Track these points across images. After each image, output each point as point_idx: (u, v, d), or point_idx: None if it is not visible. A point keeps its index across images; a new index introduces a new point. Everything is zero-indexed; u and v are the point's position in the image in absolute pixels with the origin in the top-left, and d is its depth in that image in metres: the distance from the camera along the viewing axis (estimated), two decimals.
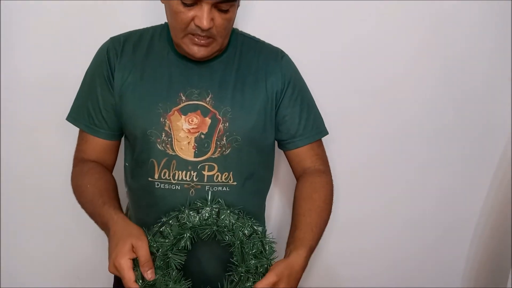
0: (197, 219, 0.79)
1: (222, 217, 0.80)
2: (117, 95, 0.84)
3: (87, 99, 0.86)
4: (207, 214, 0.80)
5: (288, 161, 0.95)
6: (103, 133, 0.87)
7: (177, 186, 0.83)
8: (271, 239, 0.81)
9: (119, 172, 0.92)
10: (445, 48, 1.13)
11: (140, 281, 0.73)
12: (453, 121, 1.19)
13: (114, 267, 0.71)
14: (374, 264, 1.32)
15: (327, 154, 0.96)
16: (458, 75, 1.15)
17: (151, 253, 0.74)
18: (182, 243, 0.79)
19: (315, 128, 0.92)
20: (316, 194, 0.88)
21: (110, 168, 0.91)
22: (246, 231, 0.80)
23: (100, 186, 0.83)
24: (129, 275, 0.70)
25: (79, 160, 0.88)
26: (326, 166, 0.94)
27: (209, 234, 0.80)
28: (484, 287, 1.29)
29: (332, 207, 1.21)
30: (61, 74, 1.06)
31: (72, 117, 0.88)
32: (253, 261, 0.78)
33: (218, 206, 0.81)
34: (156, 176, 0.83)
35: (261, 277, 0.76)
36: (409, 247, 1.29)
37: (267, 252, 0.79)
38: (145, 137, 0.82)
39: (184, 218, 0.79)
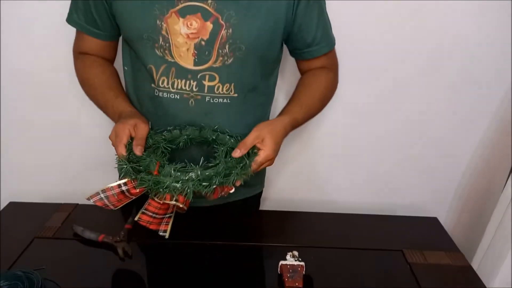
0: (197, 135, 0.82)
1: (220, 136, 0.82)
2: None
3: None
4: (208, 135, 0.82)
5: (298, 66, 0.95)
6: (98, 34, 0.83)
7: (176, 95, 0.80)
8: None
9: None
10: None
11: (129, 145, 0.75)
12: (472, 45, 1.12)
13: (114, 132, 0.75)
14: (369, 189, 1.35)
15: None
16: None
17: (146, 148, 0.77)
18: (177, 141, 0.82)
19: (330, 37, 0.89)
20: (316, 84, 0.90)
21: (111, 61, 0.91)
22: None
23: (106, 79, 0.86)
24: (123, 138, 0.74)
25: (79, 52, 0.88)
26: (334, 67, 0.94)
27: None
28: (469, 214, 1.35)
29: (336, 127, 1.21)
30: None
31: (68, 16, 0.84)
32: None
33: (218, 131, 0.83)
34: (155, 83, 0.81)
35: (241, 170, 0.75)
36: (404, 171, 1.31)
37: (250, 157, 0.77)
38: (141, 41, 0.77)
39: (187, 130, 0.82)
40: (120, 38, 0.87)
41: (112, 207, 0.77)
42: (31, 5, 1.05)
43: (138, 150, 0.74)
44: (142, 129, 0.76)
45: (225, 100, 0.82)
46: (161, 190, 0.70)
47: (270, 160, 0.78)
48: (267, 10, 0.77)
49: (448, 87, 1.18)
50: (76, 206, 1.05)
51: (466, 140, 1.27)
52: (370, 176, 1.33)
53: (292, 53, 0.92)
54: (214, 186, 0.72)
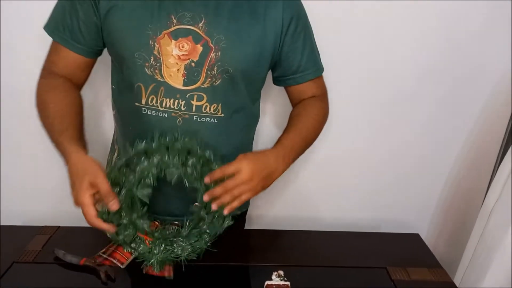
0: (172, 145, 0.79)
1: (190, 161, 0.80)
2: (104, 10, 0.77)
3: (66, 11, 0.80)
4: (182, 144, 0.80)
5: (288, 94, 0.97)
6: (79, 48, 0.82)
7: (164, 114, 0.81)
8: None
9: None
10: None
11: (104, 214, 0.73)
12: (446, 54, 1.16)
13: (75, 203, 0.72)
14: (352, 205, 1.36)
15: None
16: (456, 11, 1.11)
17: (115, 184, 0.75)
18: (147, 180, 0.80)
19: (316, 64, 0.92)
20: (309, 112, 0.91)
21: (80, 85, 0.88)
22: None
23: (62, 108, 0.80)
24: (89, 212, 0.70)
25: (49, 71, 0.85)
26: (323, 95, 0.97)
27: (176, 176, 0.81)
28: (454, 220, 1.37)
29: (319, 145, 1.22)
30: None
31: (49, 28, 0.82)
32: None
33: (190, 144, 0.80)
34: (143, 102, 0.81)
35: (222, 221, 0.81)
36: (387, 176, 1.33)
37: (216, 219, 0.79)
38: (132, 60, 0.79)
39: (164, 139, 0.79)
40: (109, 59, 0.87)
41: (119, 264, 0.84)
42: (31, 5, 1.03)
43: (114, 206, 0.72)
44: (101, 183, 0.70)
45: (212, 120, 0.83)
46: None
47: (247, 185, 0.77)
48: (256, 37, 0.81)
49: (426, 109, 1.23)
50: (57, 228, 1.02)
51: (446, 156, 1.31)
52: (354, 192, 1.34)
53: (276, 80, 0.94)
54: None
